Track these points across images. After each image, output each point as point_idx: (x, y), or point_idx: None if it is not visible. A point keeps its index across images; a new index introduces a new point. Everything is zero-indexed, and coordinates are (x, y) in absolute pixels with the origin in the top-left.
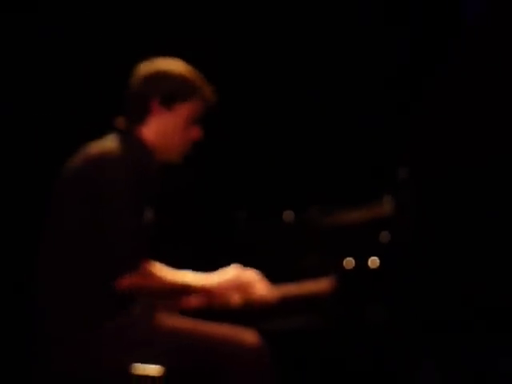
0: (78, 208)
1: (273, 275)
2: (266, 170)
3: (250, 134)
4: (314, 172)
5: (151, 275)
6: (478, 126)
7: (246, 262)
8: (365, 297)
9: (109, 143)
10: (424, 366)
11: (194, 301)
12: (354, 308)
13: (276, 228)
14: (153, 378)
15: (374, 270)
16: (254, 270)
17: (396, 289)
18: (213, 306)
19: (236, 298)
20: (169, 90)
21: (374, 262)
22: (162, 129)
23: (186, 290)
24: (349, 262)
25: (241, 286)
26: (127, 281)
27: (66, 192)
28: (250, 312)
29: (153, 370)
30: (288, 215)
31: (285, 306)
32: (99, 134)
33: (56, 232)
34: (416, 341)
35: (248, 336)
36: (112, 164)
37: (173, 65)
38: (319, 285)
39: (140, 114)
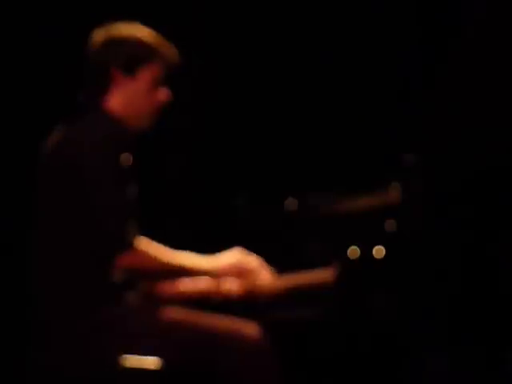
0: (62, 193)
1: (274, 264)
2: (268, 155)
3: (252, 118)
4: (317, 158)
5: (146, 254)
6: (488, 114)
7: (247, 251)
8: (370, 287)
9: (77, 122)
10: (430, 358)
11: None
12: (358, 299)
13: (278, 216)
14: (150, 370)
15: (379, 259)
16: (257, 257)
17: (402, 279)
18: (213, 297)
19: (237, 286)
20: (128, 56)
21: (379, 251)
22: (128, 97)
23: (185, 271)
24: (353, 252)
25: (243, 272)
26: (122, 261)
27: (48, 178)
28: (251, 303)
29: (150, 362)
30: (290, 202)
31: (286, 296)
32: (63, 113)
33: (45, 220)
34: (422, 333)
35: (248, 329)
36: (86, 143)
37: (129, 29)
38: (322, 275)
39: (102, 86)
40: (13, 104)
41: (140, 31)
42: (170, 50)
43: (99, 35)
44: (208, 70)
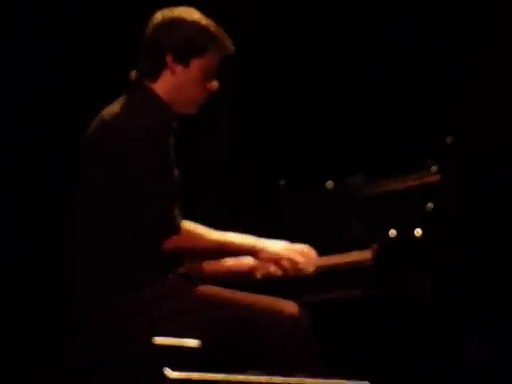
0: (107, 175)
1: (314, 244)
2: (308, 137)
3: (292, 100)
4: (358, 140)
5: (192, 235)
6: None
7: (287, 232)
8: (408, 267)
9: (125, 104)
10: (470, 337)
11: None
12: (396, 279)
13: (318, 196)
14: (190, 349)
15: (417, 239)
16: (305, 247)
17: (440, 259)
18: (254, 276)
19: (277, 268)
20: (185, 42)
21: (417, 231)
22: (177, 84)
23: (231, 248)
24: (392, 231)
25: (289, 255)
26: (168, 243)
27: (92, 160)
28: (290, 284)
29: (190, 341)
30: (331, 183)
31: (325, 276)
32: (115, 92)
33: (86, 202)
34: (461, 312)
35: (289, 307)
36: (133, 127)
37: (190, 14)
38: (361, 255)
39: (155, 69)
40: (63, 82)
41: (199, 17)
42: (227, 42)
43: (158, 16)
44: (252, 56)
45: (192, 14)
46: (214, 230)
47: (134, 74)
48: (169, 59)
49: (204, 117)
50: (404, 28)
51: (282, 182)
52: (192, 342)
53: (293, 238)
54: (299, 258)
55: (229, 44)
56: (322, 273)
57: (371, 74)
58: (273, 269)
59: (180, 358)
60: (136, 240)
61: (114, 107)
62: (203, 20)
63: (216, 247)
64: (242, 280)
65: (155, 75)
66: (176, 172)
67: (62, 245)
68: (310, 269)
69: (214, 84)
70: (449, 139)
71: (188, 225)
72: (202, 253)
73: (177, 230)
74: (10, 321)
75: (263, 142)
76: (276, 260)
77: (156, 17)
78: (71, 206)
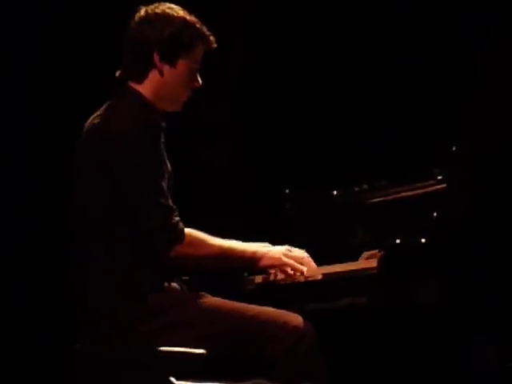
0: (103, 183)
1: (320, 252)
2: (314, 145)
3: (297, 108)
4: (364, 147)
5: (196, 243)
6: None
7: (293, 240)
8: (413, 275)
9: (113, 108)
10: (477, 345)
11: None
12: (401, 286)
13: (323, 204)
14: (195, 358)
15: (423, 246)
16: (304, 251)
17: (446, 266)
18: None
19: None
20: (169, 37)
21: (423, 238)
22: (165, 84)
23: (233, 255)
24: (397, 239)
25: (289, 262)
26: (174, 252)
27: (87, 167)
28: (295, 292)
29: (195, 350)
30: (336, 191)
31: (331, 285)
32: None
33: (87, 210)
34: (467, 318)
35: (292, 318)
36: (122, 133)
37: (172, 9)
38: (366, 263)
39: (142, 69)
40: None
41: (185, 14)
42: (211, 37)
43: (142, 13)
44: (257, 59)
45: (176, 10)
46: (215, 237)
47: (118, 73)
48: (156, 58)
49: (207, 122)
50: (413, 41)
51: (287, 191)
52: (197, 352)
53: (298, 247)
54: (301, 267)
55: (213, 39)
56: (327, 281)
57: (377, 83)
58: (280, 276)
59: (185, 367)
60: (140, 250)
61: (104, 111)
62: (187, 16)
63: (219, 254)
64: (245, 290)
65: (141, 76)
66: (169, 169)
67: (69, 255)
68: (318, 276)
69: (199, 81)
70: (454, 147)
71: (190, 232)
72: (205, 260)
73: (181, 237)
74: (18, 330)
75: (268, 150)
76: (279, 266)
77: (139, 13)
78: (74, 216)
